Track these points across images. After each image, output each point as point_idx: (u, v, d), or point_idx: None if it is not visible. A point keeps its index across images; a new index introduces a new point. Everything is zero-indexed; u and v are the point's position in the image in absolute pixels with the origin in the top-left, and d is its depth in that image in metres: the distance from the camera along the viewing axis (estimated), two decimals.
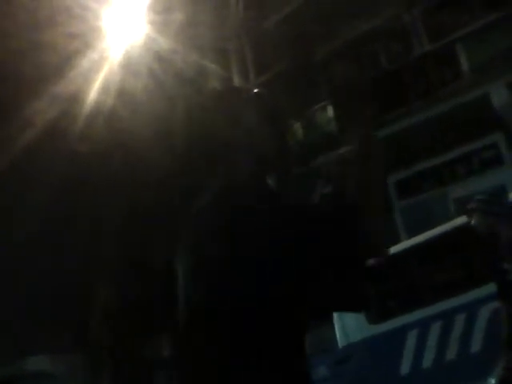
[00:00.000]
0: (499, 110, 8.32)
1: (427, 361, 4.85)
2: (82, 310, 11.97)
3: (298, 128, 10.38)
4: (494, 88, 8.31)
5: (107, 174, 11.73)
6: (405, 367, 4.95)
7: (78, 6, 8.79)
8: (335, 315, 5.47)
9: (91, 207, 12.22)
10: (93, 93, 10.43)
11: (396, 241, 6.76)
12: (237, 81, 11.23)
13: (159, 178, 10.36)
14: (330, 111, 10.03)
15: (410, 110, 8.60)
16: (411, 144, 8.38)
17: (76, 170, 10.93)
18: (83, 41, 9.44)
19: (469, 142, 8.85)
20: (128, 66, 10.54)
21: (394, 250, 5.62)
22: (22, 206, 10.73)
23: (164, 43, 10.20)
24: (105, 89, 10.48)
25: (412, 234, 6.13)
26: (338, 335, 5.42)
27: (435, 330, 4.80)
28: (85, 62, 9.78)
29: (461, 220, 4.52)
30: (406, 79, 9.24)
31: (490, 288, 3.41)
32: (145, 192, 10.89)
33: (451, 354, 4.67)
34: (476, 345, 4.53)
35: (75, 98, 10.24)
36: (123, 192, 11.41)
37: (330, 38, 10.49)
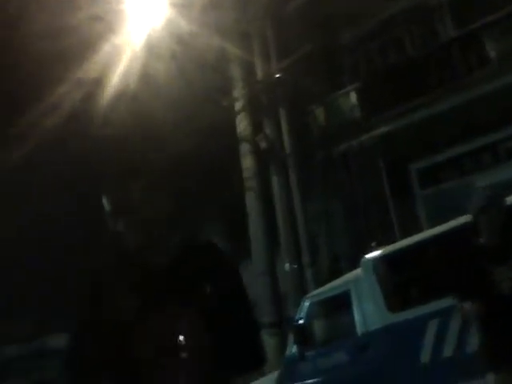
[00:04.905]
0: None
1: (447, 351, 4.83)
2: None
3: (319, 114, 10.26)
4: None
5: (124, 160, 11.76)
6: (424, 356, 4.95)
7: None
8: (354, 301, 5.48)
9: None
10: (115, 77, 10.44)
11: (418, 230, 6.71)
12: (259, 64, 11.13)
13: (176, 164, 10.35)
14: (354, 97, 9.92)
15: (435, 98, 8.47)
16: (435, 132, 8.27)
17: (95, 155, 10.97)
18: (106, 24, 9.44)
19: (494, 131, 8.71)
20: (150, 49, 10.52)
21: (415, 238, 5.59)
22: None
23: (185, 26, 10.13)
24: (127, 72, 10.49)
25: (434, 223, 6.05)
26: (357, 321, 5.43)
27: (456, 319, 4.76)
28: (107, 46, 9.79)
29: None
30: (431, 66, 9.09)
31: None
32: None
33: (472, 343, 4.64)
34: None
35: (98, 82, 10.27)
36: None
37: (354, 22, 10.34)
